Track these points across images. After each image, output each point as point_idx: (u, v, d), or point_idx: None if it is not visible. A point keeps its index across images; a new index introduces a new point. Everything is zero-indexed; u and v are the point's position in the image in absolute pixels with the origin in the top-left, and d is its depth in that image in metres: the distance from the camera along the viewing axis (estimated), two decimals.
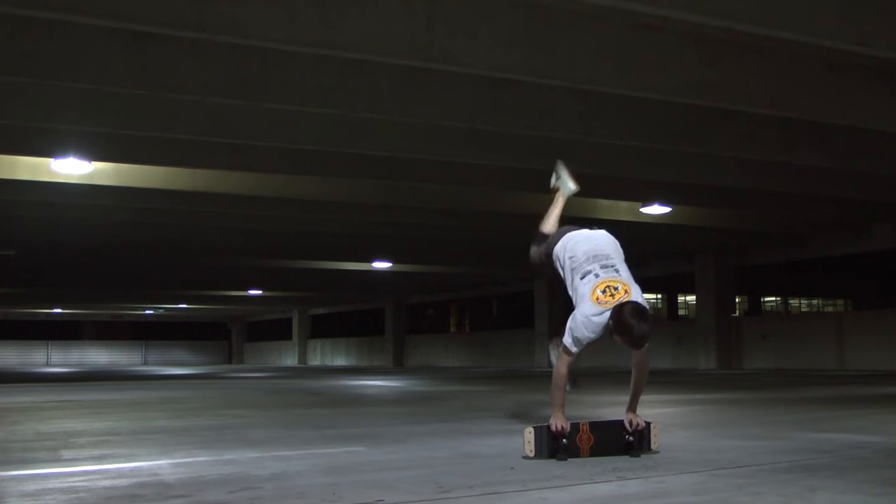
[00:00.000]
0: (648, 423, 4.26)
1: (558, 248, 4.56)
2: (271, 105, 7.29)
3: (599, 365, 16.66)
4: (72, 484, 3.47)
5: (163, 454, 4.39)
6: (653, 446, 4.26)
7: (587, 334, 4.13)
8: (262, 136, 8.42)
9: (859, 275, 30.37)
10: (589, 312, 4.12)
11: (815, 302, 40.52)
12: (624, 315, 3.98)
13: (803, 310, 40.09)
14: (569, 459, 3.97)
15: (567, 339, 4.22)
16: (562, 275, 4.51)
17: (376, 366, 32.30)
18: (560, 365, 4.27)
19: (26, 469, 3.93)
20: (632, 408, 4.26)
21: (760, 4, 5.78)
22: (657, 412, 7.15)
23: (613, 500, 3.04)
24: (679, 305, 36.39)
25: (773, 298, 39.66)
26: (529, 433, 4.08)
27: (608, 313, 4.07)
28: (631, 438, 4.16)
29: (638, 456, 4.11)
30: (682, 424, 5.96)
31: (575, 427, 4.12)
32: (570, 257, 4.40)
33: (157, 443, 5.01)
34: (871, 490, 3.14)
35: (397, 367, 30.49)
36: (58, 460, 4.24)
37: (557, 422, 4.10)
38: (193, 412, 7.66)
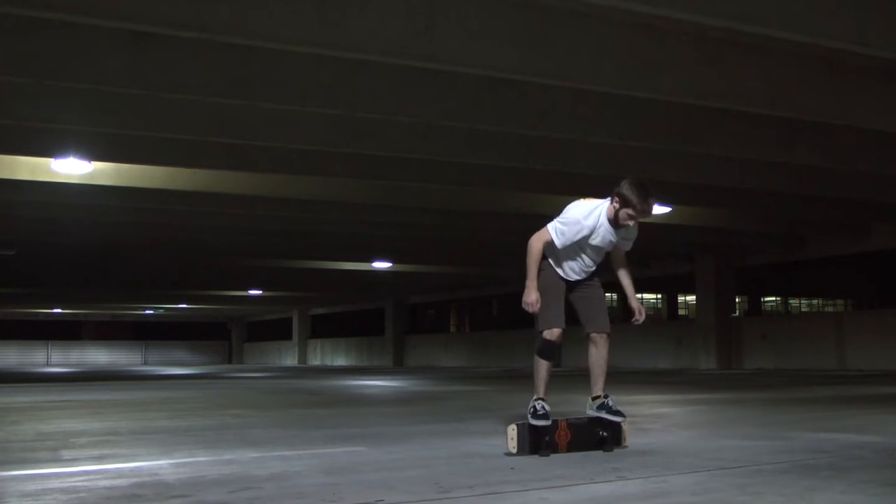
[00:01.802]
0: (619, 422, 4.38)
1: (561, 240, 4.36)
2: (271, 105, 7.28)
3: None
4: (72, 484, 3.47)
5: (163, 454, 4.39)
6: (624, 443, 4.41)
7: (584, 224, 4.25)
8: (263, 136, 8.41)
9: (859, 275, 30.35)
10: (585, 207, 4.30)
11: (815, 302, 40.50)
12: (623, 189, 4.20)
13: (803, 310, 40.06)
14: (551, 455, 4.11)
15: (554, 227, 4.29)
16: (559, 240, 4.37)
17: (376, 366, 32.28)
18: (535, 240, 4.36)
19: (26, 469, 3.93)
20: (632, 298, 4.59)
21: (760, 4, 5.78)
22: (658, 412, 7.15)
23: (614, 500, 3.04)
24: (679, 305, 36.36)
25: (773, 298, 39.63)
26: (512, 430, 4.19)
27: (604, 209, 4.27)
28: (604, 434, 4.31)
29: (611, 451, 4.24)
30: (682, 424, 5.96)
31: (554, 424, 4.24)
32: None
33: (157, 443, 5.01)
34: (871, 490, 3.14)
35: (397, 367, 30.47)
36: (58, 460, 4.24)
37: (531, 294, 4.30)
38: (193, 412, 7.66)
